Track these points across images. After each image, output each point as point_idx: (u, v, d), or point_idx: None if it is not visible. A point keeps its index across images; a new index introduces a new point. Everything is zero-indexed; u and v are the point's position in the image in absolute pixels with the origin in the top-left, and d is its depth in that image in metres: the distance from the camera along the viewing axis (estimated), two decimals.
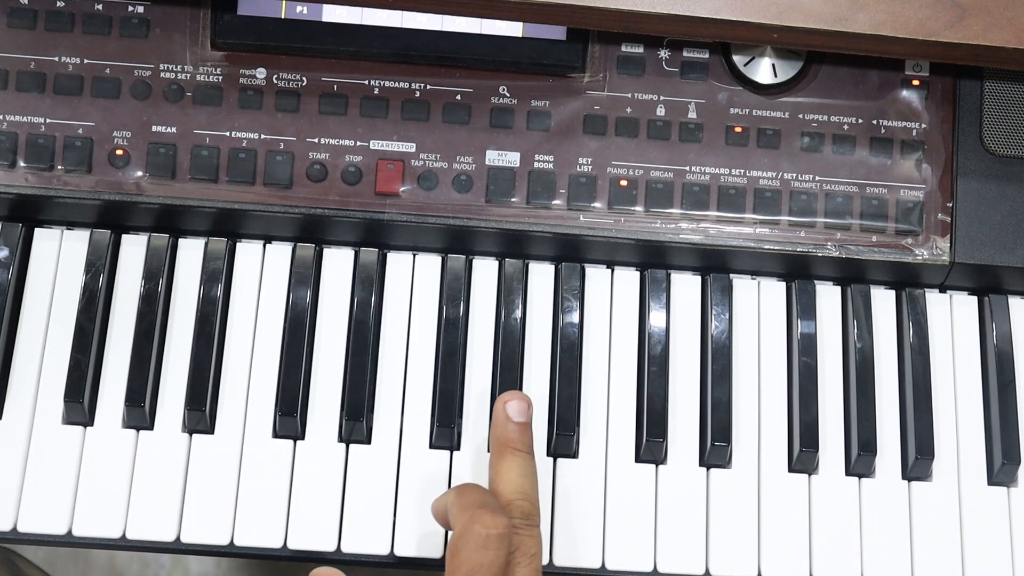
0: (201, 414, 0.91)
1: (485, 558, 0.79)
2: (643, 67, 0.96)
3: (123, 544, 0.90)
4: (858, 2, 0.89)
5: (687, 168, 0.96)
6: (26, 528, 0.90)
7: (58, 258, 0.96)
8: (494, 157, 0.95)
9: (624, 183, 0.95)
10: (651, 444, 0.93)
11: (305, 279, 0.95)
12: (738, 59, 0.97)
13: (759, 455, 0.94)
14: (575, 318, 0.96)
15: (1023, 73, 0.96)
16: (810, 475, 0.94)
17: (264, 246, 0.97)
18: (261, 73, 0.95)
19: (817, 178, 0.96)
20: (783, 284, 0.99)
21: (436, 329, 0.95)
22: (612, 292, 0.97)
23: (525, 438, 0.87)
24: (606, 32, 0.96)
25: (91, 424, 0.92)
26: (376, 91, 0.95)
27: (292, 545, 0.90)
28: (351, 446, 0.92)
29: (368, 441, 0.93)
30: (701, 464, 0.94)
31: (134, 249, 0.96)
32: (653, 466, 0.93)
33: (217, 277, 0.95)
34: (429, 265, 0.97)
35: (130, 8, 0.95)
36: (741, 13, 0.89)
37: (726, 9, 0.89)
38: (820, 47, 0.92)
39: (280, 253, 0.97)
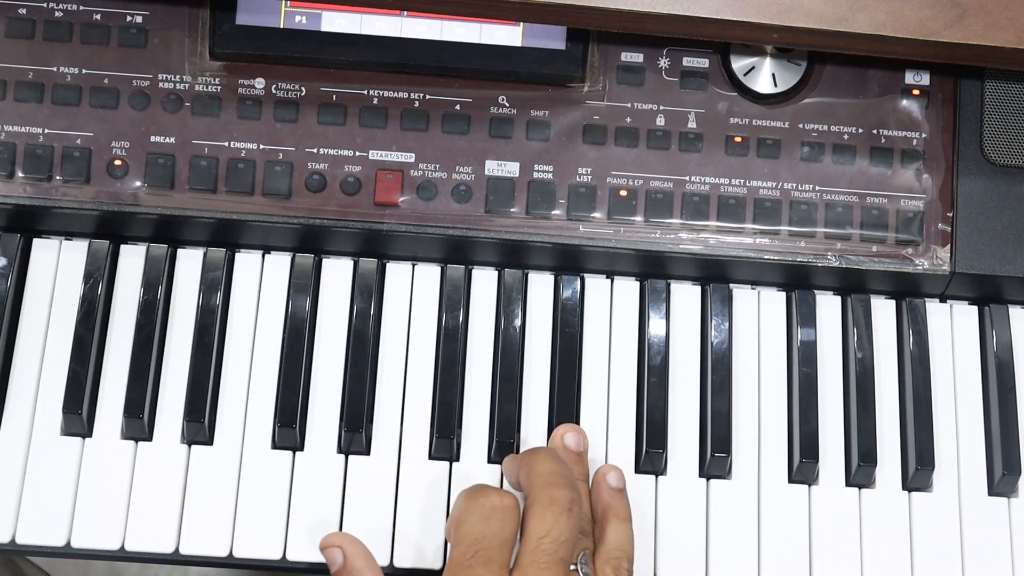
0: (200, 425, 0.91)
1: (489, 528, 0.80)
2: (643, 76, 0.96)
3: (122, 556, 0.89)
4: (858, 2, 0.89)
5: (687, 178, 0.95)
6: (24, 540, 0.89)
7: (56, 268, 0.95)
8: (493, 167, 0.95)
9: (624, 193, 0.95)
10: (651, 455, 0.93)
11: (304, 289, 0.95)
12: (738, 68, 0.96)
13: (759, 466, 0.94)
14: (575, 328, 0.96)
15: None
16: (810, 486, 0.94)
17: (263, 256, 0.97)
18: (260, 83, 0.95)
19: (817, 188, 0.96)
20: (783, 294, 0.98)
21: (435, 339, 0.95)
22: (612, 302, 0.97)
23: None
24: (606, 41, 0.96)
25: (90, 435, 0.92)
26: (375, 101, 0.95)
27: (291, 556, 0.90)
28: (350, 457, 0.92)
29: (367, 452, 0.92)
30: (701, 475, 0.94)
31: (133, 259, 0.96)
32: (653, 477, 0.93)
33: (216, 287, 0.95)
34: (428, 275, 0.97)
35: (128, 18, 0.95)
36: (741, 13, 0.89)
37: (726, 9, 0.89)
38: (820, 47, 0.92)
39: (279, 263, 0.96)
